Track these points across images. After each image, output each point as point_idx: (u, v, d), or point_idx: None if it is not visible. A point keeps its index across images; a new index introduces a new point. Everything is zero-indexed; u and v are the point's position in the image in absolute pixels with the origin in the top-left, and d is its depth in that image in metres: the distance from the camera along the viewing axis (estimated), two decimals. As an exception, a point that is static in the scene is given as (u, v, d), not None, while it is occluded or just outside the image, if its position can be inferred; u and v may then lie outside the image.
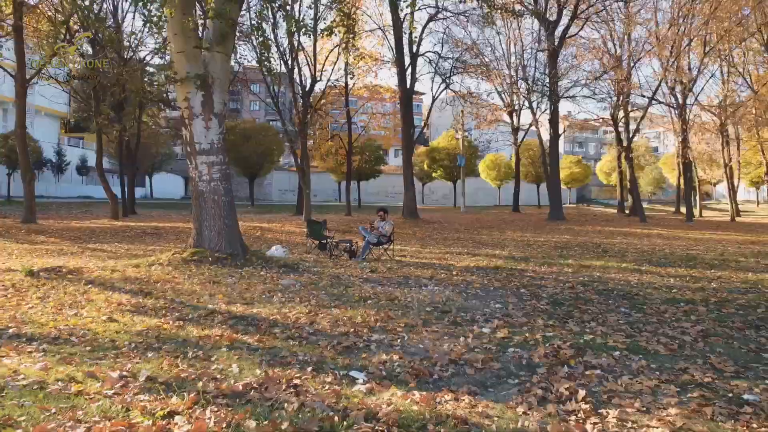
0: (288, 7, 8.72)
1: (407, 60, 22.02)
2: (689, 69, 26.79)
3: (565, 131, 35.83)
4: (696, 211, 37.64)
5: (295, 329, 5.15)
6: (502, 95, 31.53)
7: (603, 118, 33.03)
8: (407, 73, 22.59)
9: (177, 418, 3.00)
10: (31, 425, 2.85)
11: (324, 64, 26.15)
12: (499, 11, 12.93)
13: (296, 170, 57.11)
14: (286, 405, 3.19)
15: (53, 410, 3.09)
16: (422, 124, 30.76)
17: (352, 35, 9.74)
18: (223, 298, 6.41)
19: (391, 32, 23.09)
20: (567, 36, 23.89)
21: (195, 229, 9.05)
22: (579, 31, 24.91)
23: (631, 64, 25.38)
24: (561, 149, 66.29)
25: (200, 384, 3.54)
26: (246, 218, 23.12)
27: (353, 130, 29.05)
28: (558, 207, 25.76)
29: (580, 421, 3.07)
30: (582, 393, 3.48)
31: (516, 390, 3.63)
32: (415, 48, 22.92)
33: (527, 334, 5.04)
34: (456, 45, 25.29)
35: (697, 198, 39.56)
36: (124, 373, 3.74)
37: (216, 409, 3.11)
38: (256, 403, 3.25)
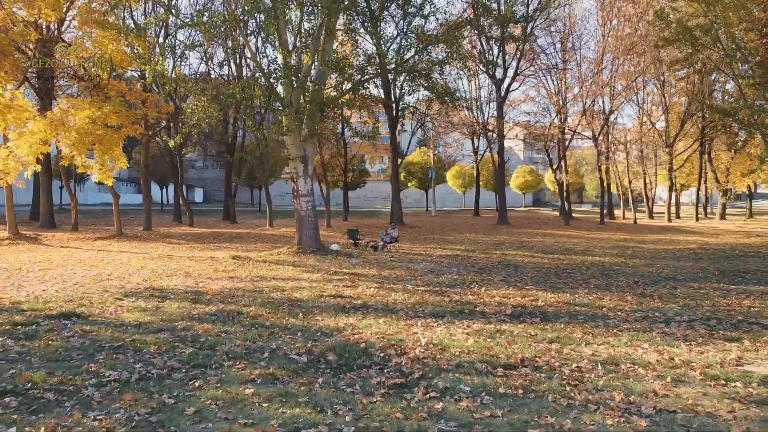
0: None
1: (394, 107, 29.99)
2: (611, 104, 35.49)
3: (509, 160, 44.32)
4: (620, 213, 46.67)
5: (377, 277, 13.06)
6: (465, 127, 39.84)
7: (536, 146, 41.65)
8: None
9: (369, 290, 10.89)
10: (311, 308, 10.71)
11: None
12: (458, 102, 21.01)
13: (290, 177, 64.00)
14: (391, 287, 11.12)
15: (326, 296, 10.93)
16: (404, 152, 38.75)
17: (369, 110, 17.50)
18: (339, 268, 14.25)
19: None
20: (510, 90, 32.36)
21: (297, 236, 16.86)
22: (519, 86, 33.41)
23: (559, 111, 34.07)
24: (521, 156, 75.26)
25: (371, 281, 11.41)
26: (263, 226, 30.73)
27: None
28: (504, 215, 34.25)
29: (478, 292, 11.09)
30: (482, 286, 11.54)
31: (460, 289, 11.61)
32: (399, 94, 30.88)
33: (466, 277, 13.06)
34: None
35: (622, 203, 48.52)
36: (360, 288, 11.58)
37: (374, 284, 10.99)
38: (387, 283, 11.15)
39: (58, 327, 7.13)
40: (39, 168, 16.90)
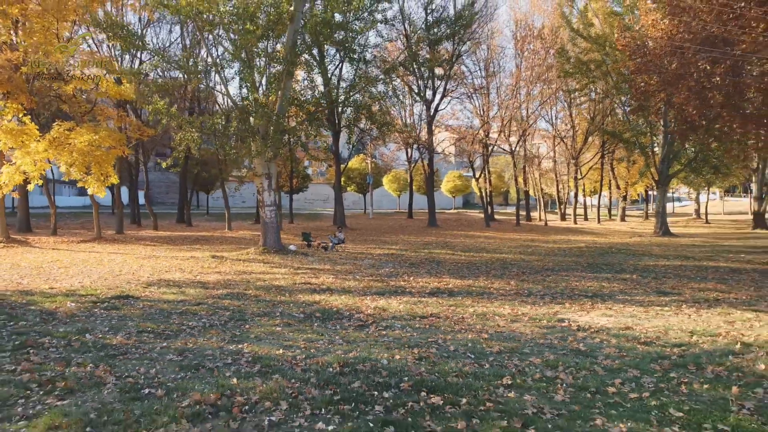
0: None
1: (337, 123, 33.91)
2: (527, 120, 40.87)
3: (437, 170, 49.28)
4: (537, 215, 52.44)
5: (332, 271, 16.93)
6: (399, 138, 44.32)
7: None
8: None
9: (329, 279, 14.75)
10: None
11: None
12: (394, 129, 25.20)
13: (236, 181, 66.30)
14: (344, 278, 15.04)
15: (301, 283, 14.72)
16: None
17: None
18: (301, 265, 17.99)
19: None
20: (438, 110, 37.16)
21: (263, 238, 20.47)
22: (446, 106, 38.17)
23: (481, 129, 39.19)
24: (453, 160, 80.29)
25: (329, 274, 15.27)
26: (219, 229, 33.87)
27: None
28: (433, 218, 38.94)
29: (408, 280, 15.19)
30: (411, 276, 15.66)
31: (395, 278, 15.68)
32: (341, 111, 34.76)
33: (400, 270, 17.16)
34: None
35: (539, 206, 54.29)
36: (321, 278, 15.37)
37: (333, 274, 14.88)
38: (340, 275, 15.05)
39: (127, 303, 10.62)
40: (42, 182, 19.54)
